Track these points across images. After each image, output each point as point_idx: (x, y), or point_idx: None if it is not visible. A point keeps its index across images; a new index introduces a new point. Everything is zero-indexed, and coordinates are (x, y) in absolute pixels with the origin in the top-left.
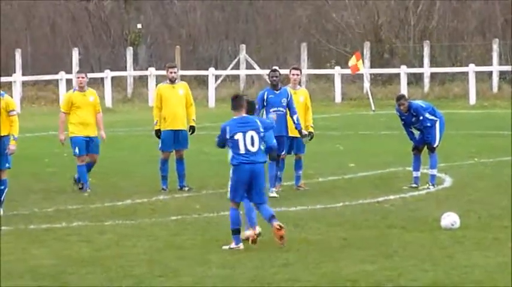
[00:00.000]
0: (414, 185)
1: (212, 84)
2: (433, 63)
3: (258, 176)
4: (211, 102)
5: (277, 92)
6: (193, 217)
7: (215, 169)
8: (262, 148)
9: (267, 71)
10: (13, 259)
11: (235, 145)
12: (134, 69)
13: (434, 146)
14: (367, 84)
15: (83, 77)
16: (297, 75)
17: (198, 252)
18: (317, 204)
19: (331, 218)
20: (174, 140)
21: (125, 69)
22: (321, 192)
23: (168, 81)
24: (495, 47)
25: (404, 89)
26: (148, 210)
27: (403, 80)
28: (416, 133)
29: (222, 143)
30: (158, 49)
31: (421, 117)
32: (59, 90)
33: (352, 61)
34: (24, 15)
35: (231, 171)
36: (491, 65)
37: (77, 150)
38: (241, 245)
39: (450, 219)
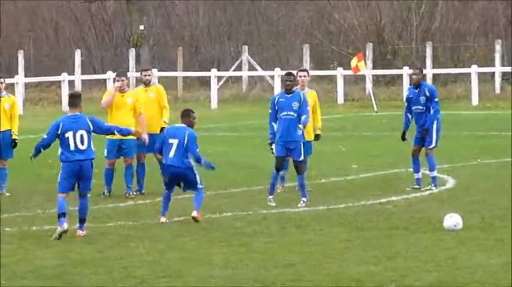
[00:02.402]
0: (417, 187)
1: (214, 86)
2: (436, 64)
3: (85, 172)
4: (214, 104)
5: (289, 95)
6: None
7: (217, 170)
8: (92, 146)
9: (270, 73)
10: (16, 260)
11: (65, 142)
12: (137, 71)
13: (431, 147)
14: (369, 86)
15: (122, 80)
16: (304, 76)
17: (201, 253)
18: (320, 205)
19: (334, 219)
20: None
21: (127, 70)
22: (323, 193)
23: (143, 84)
24: (498, 47)
25: (406, 91)
26: (150, 211)
27: (406, 81)
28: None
29: (52, 137)
30: (161, 50)
31: (436, 100)
32: (61, 92)
33: (353, 62)
34: (28, 16)
35: (61, 165)
36: (493, 66)
37: (105, 153)
38: (64, 225)
39: (453, 220)
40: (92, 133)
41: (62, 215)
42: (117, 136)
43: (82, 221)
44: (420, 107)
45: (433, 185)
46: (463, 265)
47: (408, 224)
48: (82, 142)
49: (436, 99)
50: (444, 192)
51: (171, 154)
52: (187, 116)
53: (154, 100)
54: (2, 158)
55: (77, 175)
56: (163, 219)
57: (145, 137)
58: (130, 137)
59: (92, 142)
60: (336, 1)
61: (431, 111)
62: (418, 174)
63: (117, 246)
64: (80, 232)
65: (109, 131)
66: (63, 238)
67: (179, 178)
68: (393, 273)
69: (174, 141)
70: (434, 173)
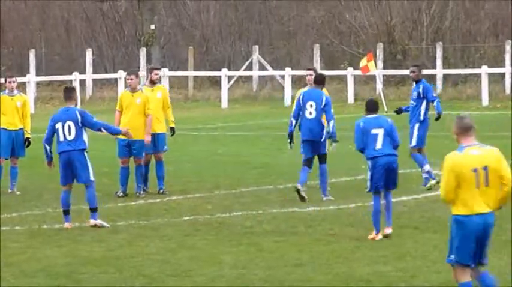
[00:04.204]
0: (423, 185)
1: (225, 85)
2: (446, 64)
3: (75, 162)
4: (224, 103)
5: None
6: (206, 218)
7: (228, 169)
8: (83, 137)
9: (280, 72)
10: (26, 258)
11: (56, 134)
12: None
13: (410, 146)
14: (379, 86)
15: (131, 79)
16: (311, 75)
17: (211, 252)
18: (330, 205)
19: (343, 219)
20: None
21: (138, 70)
22: (333, 193)
23: (149, 83)
24: (508, 48)
25: None
26: (161, 210)
27: None
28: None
29: (49, 130)
30: (171, 50)
31: (434, 95)
32: None
33: (362, 62)
34: (39, 15)
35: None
36: (504, 66)
37: (116, 152)
38: (66, 225)
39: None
40: (82, 127)
41: (65, 212)
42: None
43: (92, 210)
44: (412, 102)
45: (431, 178)
46: None
47: (418, 223)
48: (70, 133)
49: (435, 94)
50: None
51: (379, 144)
52: (376, 105)
53: (161, 100)
54: (14, 156)
55: (69, 166)
56: (379, 236)
57: (148, 139)
58: (140, 137)
59: (83, 134)
60: (347, 1)
61: (423, 108)
62: (423, 169)
63: (127, 245)
64: (92, 221)
65: (95, 126)
66: (73, 237)
67: (391, 170)
68: (403, 273)
69: (379, 131)
70: (426, 168)
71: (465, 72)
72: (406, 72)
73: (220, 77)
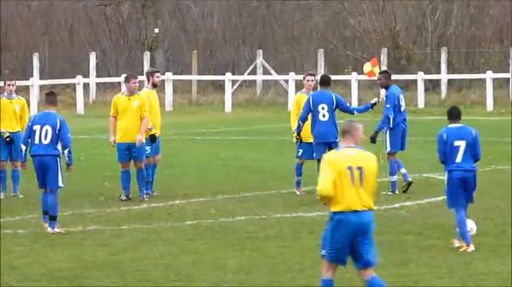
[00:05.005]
0: (405, 186)
1: (229, 89)
2: (451, 69)
3: (46, 167)
4: (228, 107)
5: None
6: (209, 222)
7: (231, 174)
8: (58, 144)
9: (284, 77)
10: (29, 262)
11: (33, 136)
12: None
13: (385, 151)
14: (383, 91)
15: (137, 83)
16: (312, 81)
17: (214, 257)
18: None
19: None
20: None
21: (142, 73)
22: None
23: (150, 86)
24: None
25: (421, 96)
26: (164, 214)
27: (420, 87)
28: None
29: (26, 132)
30: (175, 54)
31: (387, 106)
32: (76, 95)
33: (366, 67)
34: (42, 19)
35: None
36: (508, 71)
37: (116, 156)
38: (44, 224)
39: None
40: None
41: (44, 213)
42: (126, 139)
43: (51, 218)
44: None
45: (389, 190)
46: (476, 271)
47: (421, 229)
48: (46, 137)
49: (388, 106)
50: None
51: (458, 158)
52: (460, 113)
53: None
54: (13, 159)
55: (41, 170)
56: (470, 248)
57: (142, 139)
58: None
59: (58, 141)
60: (351, 5)
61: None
62: (402, 171)
63: (130, 249)
64: (49, 229)
65: (65, 141)
66: (76, 241)
67: (467, 186)
68: (406, 278)
69: (462, 143)
70: (393, 179)
71: (470, 77)
72: (411, 77)
73: (224, 81)
